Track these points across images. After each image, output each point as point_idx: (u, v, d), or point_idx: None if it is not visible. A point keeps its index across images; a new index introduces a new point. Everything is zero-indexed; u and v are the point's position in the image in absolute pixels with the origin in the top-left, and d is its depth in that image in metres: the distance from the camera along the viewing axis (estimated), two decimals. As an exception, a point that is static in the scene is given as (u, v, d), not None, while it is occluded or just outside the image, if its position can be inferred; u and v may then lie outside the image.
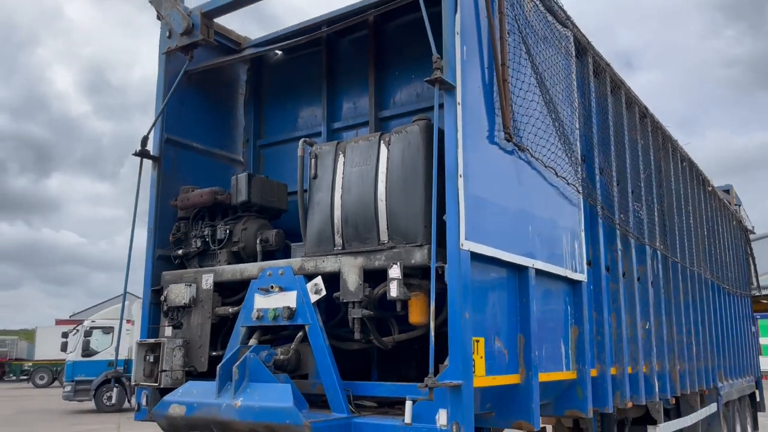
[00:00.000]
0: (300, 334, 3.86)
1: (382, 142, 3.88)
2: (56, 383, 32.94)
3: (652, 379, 6.29)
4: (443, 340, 3.40)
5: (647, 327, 6.38)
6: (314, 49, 5.28)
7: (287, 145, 5.28)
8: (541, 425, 7.01)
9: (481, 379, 3.57)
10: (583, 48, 5.58)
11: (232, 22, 5.17)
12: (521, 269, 4.06)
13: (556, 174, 4.52)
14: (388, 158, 3.81)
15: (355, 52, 5.14)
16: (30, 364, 38.88)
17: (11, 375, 40.37)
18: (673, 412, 8.66)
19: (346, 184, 3.93)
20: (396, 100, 4.92)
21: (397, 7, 4.34)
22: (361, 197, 3.86)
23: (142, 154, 4.79)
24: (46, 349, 34.05)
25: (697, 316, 8.42)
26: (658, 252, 6.95)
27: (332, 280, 3.86)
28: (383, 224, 3.72)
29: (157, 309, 4.62)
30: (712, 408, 8.89)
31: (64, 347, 20.55)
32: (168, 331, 4.44)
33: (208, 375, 4.15)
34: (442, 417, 3.26)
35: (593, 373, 5.11)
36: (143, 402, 4.44)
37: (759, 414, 12.71)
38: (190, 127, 5.18)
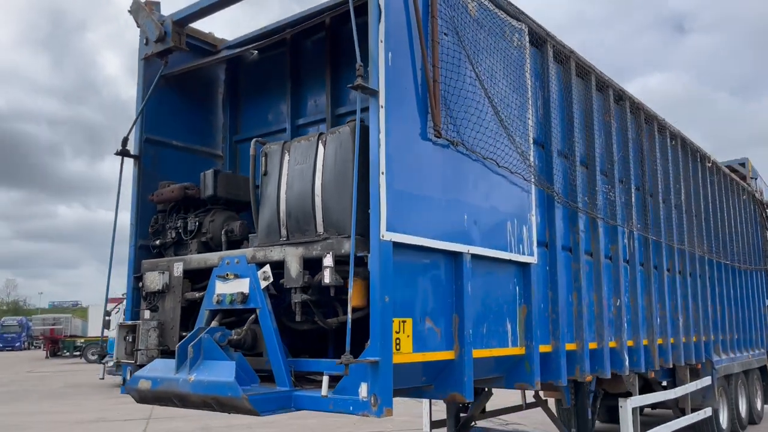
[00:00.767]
0: (252, 316, 4.30)
1: (319, 142, 4.26)
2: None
3: (622, 354, 6.57)
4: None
5: (618, 304, 6.64)
6: (282, 50, 5.65)
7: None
8: (543, 397, 7.44)
9: (408, 355, 3.95)
10: (541, 39, 5.81)
11: (226, 26, 5.56)
12: (456, 255, 4.40)
13: (498, 164, 4.83)
14: (324, 157, 4.19)
15: (316, 52, 5.50)
16: (82, 340, 40.84)
17: (65, 351, 42.40)
18: (671, 384, 8.92)
19: (290, 181, 4.33)
20: (350, 98, 5.27)
21: (346, 10, 4.64)
22: (301, 193, 4.25)
23: (123, 153, 5.26)
24: (98, 326, 35.68)
25: (687, 292, 8.59)
26: (635, 231, 7.16)
27: (280, 267, 4.27)
28: (319, 217, 4.11)
29: (139, 294, 5.12)
30: (704, 381, 9.08)
31: (106, 324, 21.61)
32: (147, 314, 4.94)
33: (181, 353, 4.62)
34: (363, 390, 3.66)
35: (547, 348, 5.44)
36: (127, 377, 4.96)
37: (771, 387, 12.76)
38: (169, 126, 5.63)
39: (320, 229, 4.13)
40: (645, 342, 7.27)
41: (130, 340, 4.79)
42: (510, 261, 4.97)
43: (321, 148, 4.23)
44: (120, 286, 5.51)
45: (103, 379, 4.83)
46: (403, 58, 4.15)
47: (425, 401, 7.90)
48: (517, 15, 5.45)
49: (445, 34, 4.51)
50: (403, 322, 3.94)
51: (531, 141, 5.39)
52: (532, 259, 5.21)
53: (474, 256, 4.54)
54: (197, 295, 4.72)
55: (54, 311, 72.99)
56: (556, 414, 10.55)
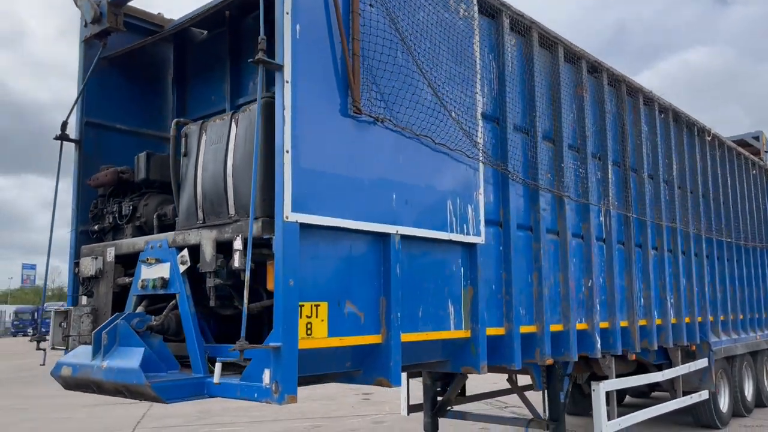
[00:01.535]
0: (173, 302, 4.20)
1: (232, 120, 4.11)
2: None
3: (594, 336, 6.34)
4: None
5: (590, 284, 6.40)
6: (224, 28, 5.50)
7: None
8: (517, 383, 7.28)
9: (322, 340, 3.81)
10: (494, 9, 5.56)
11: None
12: (384, 236, 4.23)
13: (434, 142, 4.63)
14: (236, 136, 4.05)
15: (256, 29, 5.32)
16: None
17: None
18: (667, 367, 8.64)
19: (205, 162, 4.20)
20: (286, 75, 5.10)
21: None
22: (215, 174, 4.12)
23: (62, 137, 5.20)
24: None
25: (678, 271, 8.27)
26: (611, 209, 6.88)
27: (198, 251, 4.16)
28: (231, 199, 3.98)
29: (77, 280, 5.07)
30: (700, 363, 8.76)
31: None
32: (84, 299, 4.89)
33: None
34: (266, 376, 3.54)
35: (498, 331, 5.25)
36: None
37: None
38: (114, 109, 5.54)
39: (232, 211, 4.00)
40: (624, 323, 7.01)
41: (65, 326, 4.74)
42: (451, 241, 4.78)
43: (234, 127, 4.09)
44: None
45: (44, 365, 4.79)
46: (318, 31, 3.97)
47: (403, 385, 7.79)
48: (465, -16, 5.20)
49: (370, 5, 4.31)
50: (317, 306, 3.80)
51: (479, 116, 5.16)
52: (479, 240, 5.01)
53: (405, 237, 4.36)
54: (127, 280, 4.64)
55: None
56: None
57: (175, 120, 4.70)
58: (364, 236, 4.13)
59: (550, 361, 5.69)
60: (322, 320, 3.81)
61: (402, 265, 4.32)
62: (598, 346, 6.37)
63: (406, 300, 4.38)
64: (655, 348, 7.50)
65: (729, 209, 10.36)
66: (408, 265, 4.43)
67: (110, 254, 4.75)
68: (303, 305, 3.71)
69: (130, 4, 5.34)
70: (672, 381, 8.51)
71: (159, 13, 5.86)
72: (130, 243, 4.67)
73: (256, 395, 3.58)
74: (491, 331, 5.17)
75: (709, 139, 9.74)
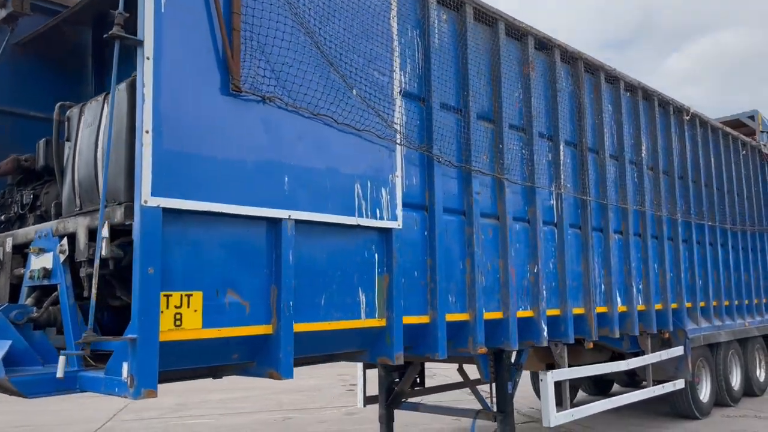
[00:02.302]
0: (55, 293, 4.04)
1: (105, 101, 3.93)
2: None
3: (540, 324, 6.07)
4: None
5: (536, 270, 6.13)
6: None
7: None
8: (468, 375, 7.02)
9: (195, 331, 3.62)
10: (418, -18, 5.29)
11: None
12: (274, 221, 4.02)
13: (336, 122, 4.39)
14: (105, 117, 3.86)
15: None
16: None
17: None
18: (641, 355, 8.34)
19: (80, 146, 4.02)
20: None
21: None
22: (88, 158, 3.94)
23: (-31, 126, 5.07)
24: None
25: (647, 256, 7.95)
26: (562, 192, 6.59)
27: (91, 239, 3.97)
28: (101, 184, 3.79)
29: (-15, 271, 4.94)
30: (674, 351, 8.45)
31: None
32: (-12, 291, 4.75)
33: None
34: (124, 370, 3.36)
35: (421, 319, 5.02)
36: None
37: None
38: (28, 96, 5.39)
39: (103, 196, 3.81)
40: (579, 310, 6.73)
41: (-36, 319, 4.60)
42: (360, 227, 4.55)
43: (106, 108, 3.90)
44: None
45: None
46: (189, 4, 3.75)
47: (359, 376, 7.60)
48: (380, -43, 4.95)
49: (258, -22, 4.08)
50: (189, 295, 3.60)
51: (396, 95, 4.92)
52: (395, 224, 4.77)
53: (301, 222, 4.14)
54: (23, 270, 4.49)
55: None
56: (532, 387, 10.17)
57: (59, 103, 4.52)
58: (250, 221, 3.92)
59: (483, 350, 5.44)
60: (195, 311, 3.62)
61: (297, 251, 4.11)
62: (545, 334, 6.10)
63: (305, 288, 4.17)
64: (617, 336, 7.19)
65: (712, 192, 9.97)
66: (307, 251, 4.21)
67: (8, 244, 4.60)
68: (171, 295, 3.52)
69: (38, -14, 5.19)
70: (643, 370, 8.22)
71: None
72: (24, 233, 4.51)
73: (116, 389, 3.40)
74: (412, 319, 4.94)
75: (687, 118, 9.36)
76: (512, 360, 6.42)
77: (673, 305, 8.51)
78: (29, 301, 4.22)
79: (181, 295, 3.57)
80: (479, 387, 7.04)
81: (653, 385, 8.17)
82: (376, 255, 4.70)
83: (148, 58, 3.50)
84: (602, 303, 7.10)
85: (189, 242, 3.63)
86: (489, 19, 5.99)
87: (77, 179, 4.04)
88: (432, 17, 5.35)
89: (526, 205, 6.23)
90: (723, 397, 9.67)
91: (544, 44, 6.67)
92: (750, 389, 10.72)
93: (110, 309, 4.25)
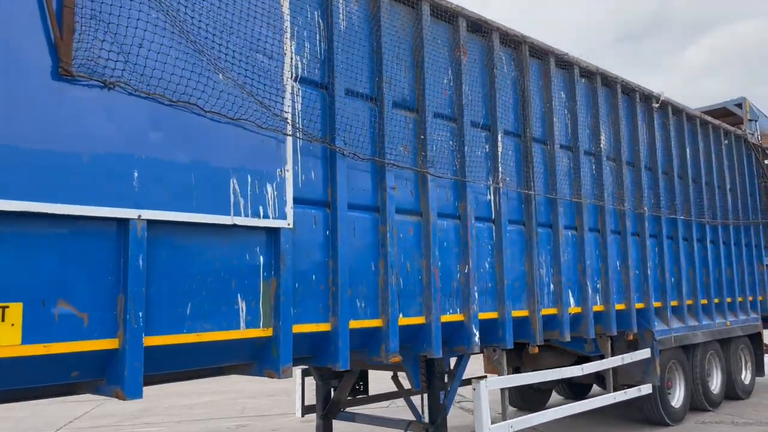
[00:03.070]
0: None
1: None
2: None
3: (470, 328, 5.60)
4: None
5: (467, 270, 5.65)
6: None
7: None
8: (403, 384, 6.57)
9: (12, 348, 3.19)
10: (318, -42, 4.83)
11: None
12: (121, 222, 3.58)
13: (204, 110, 3.94)
14: None
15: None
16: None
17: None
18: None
19: None
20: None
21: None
22: None
23: None
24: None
25: (606, 253, 7.44)
26: (501, 186, 6.10)
27: None
28: None
29: None
30: (640, 354, 7.93)
31: None
32: None
33: None
34: None
35: (320, 327, 4.57)
36: None
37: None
38: None
39: None
40: (522, 313, 6.25)
41: None
42: (237, 226, 4.10)
43: None
44: None
45: None
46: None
47: (298, 383, 7.17)
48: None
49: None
50: (4, 308, 3.17)
51: (288, 81, 4.46)
52: (283, 223, 4.32)
53: (155, 223, 3.70)
54: None
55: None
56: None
57: None
58: (87, 222, 3.48)
59: (396, 359, 4.98)
60: (13, 324, 3.19)
61: (152, 256, 3.67)
62: (476, 339, 5.62)
63: (163, 297, 3.73)
64: (567, 339, 6.70)
65: (687, 183, 9.42)
66: (167, 255, 3.77)
67: None
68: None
69: None
70: (604, 374, 7.72)
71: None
72: None
73: None
74: (309, 327, 4.50)
75: (657, 106, 8.81)
76: (446, 367, 5.95)
77: (639, 305, 8.00)
78: None
79: (-3, 307, 3.15)
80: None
81: (614, 391, 7.66)
82: (261, 258, 4.25)
83: (-49, 39, 3.07)
84: (551, 304, 6.62)
85: (5, 247, 3.20)
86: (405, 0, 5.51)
87: None
88: (340, 4, 4.89)
89: (457, 201, 5.75)
90: (700, 402, 9.13)
91: (479, 27, 6.18)
92: (733, 392, 10.16)
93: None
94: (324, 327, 4.60)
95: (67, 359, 3.41)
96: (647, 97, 8.73)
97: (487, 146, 6.13)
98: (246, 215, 4.12)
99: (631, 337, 7.91)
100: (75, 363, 3.48)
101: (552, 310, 6.61)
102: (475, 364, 7.87)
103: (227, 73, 4.06)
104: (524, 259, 6.38)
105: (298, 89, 4.60)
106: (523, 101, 6.59)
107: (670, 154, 9.07)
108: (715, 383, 9.67)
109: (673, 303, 8.71)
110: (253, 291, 4.19)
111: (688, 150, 9.52)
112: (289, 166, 4.41)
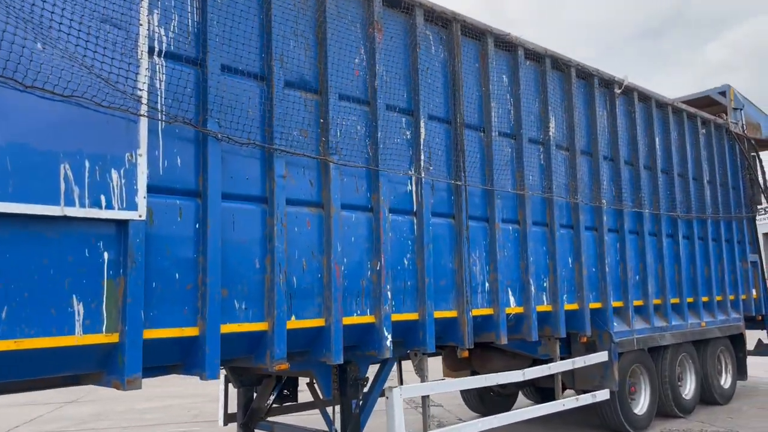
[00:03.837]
0: None
1: None
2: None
3: (381, 331, 5.09)
4: None
5: (378, 267, 5.14)
6: None
7: None
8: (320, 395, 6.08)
9: None
10: None
11: None
12: None
13: (24, 85, 3.46)
14: None
15: None
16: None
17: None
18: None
19: None
20: None
21: None
22: None
23: None
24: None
25: (554, 249, 6.90)
26: (423, 176, 5.58)
27: None
28: None
29: None
30: (596, 357, 7.37)
31: None
32: None
33: None
34: None
35: (187, 332, 4.09)
36: None
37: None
38: None
39: None
40: (447, 314, 5.72)
41: None
42: (70, 218, 3.61)
43: None
44: None
45: None
46: None
47: (221, 390, 6.70)
48: None
49: None
50: None
51: (144, 54, 3.97)
52: (133, 215, 3.83)
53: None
54: None
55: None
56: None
57: None
58: None
59: (284, 366, 4.47)
60: None
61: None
62: (388, 343, 5.11)
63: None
64: (504, 342, 6.16)
65: (656, 175, 8.83)
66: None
67: None
68: None
69: None
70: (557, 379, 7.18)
71: None
72: None
73: None
74: (171, 332, 4.02)
75: (619, 92, 8.23)
76: (363, 374, 5.44)
77: (595, 305, 7.44)
78: None
79: None
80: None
81: (575, 395, 7.12)
82: (106, 254, 3.76)
83: None
84: (486, 304, 6.09)
85: None
86: (308, -31, 5.00)
87: None
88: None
89: (369, 191, 5.24)
90: (670, 408, 8.54)
91: (399, 2, 5.65)
92: (710, 398, 9.56)
93: None
94: (190, 332, 4.11)
95: None
96: (608, 83, 8.16)
97: (408, 132, 5.61)
98: (82, 205, 3.63)
99: (584, 339, 7.35)
100: None
101: (487, 311, 6.09)
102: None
103: (57, 44, 3.57)
104: (453, 256, 5.85)
105: (163, 65, 4.11)
106: (453, 84, 6.06)
107: (636, 144, 8.49)
108: (688, 388, 9.07)
109: (637, 302, 8.14)
110: (93, 292, 3.70)
111: (657, 140, 8.93)
112: (143, 150, 3.92)
